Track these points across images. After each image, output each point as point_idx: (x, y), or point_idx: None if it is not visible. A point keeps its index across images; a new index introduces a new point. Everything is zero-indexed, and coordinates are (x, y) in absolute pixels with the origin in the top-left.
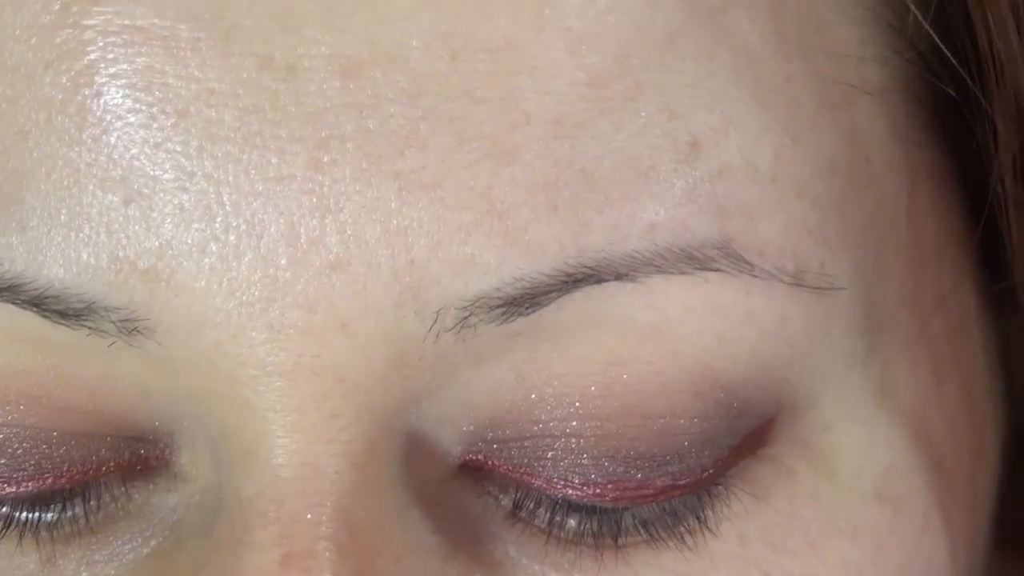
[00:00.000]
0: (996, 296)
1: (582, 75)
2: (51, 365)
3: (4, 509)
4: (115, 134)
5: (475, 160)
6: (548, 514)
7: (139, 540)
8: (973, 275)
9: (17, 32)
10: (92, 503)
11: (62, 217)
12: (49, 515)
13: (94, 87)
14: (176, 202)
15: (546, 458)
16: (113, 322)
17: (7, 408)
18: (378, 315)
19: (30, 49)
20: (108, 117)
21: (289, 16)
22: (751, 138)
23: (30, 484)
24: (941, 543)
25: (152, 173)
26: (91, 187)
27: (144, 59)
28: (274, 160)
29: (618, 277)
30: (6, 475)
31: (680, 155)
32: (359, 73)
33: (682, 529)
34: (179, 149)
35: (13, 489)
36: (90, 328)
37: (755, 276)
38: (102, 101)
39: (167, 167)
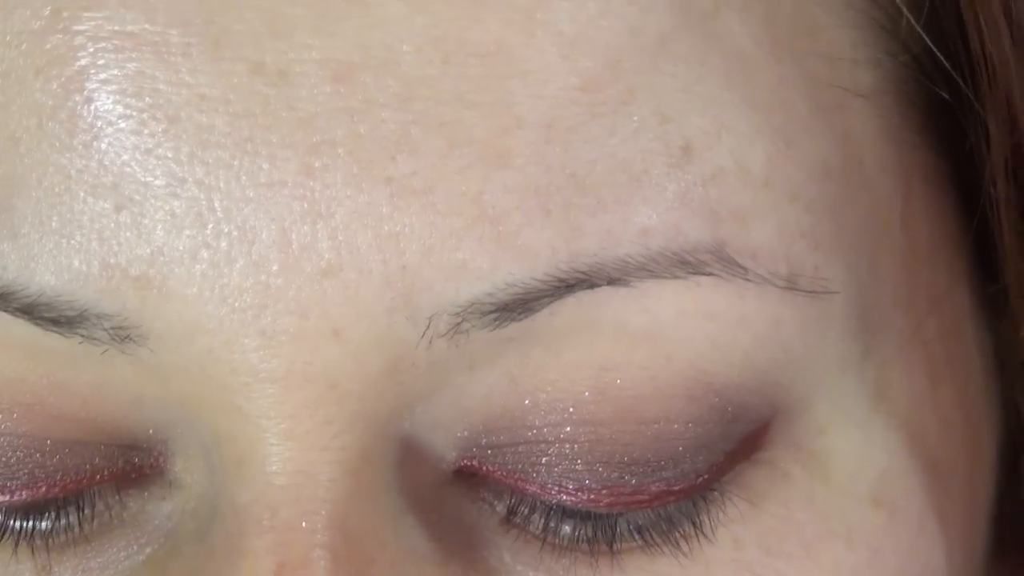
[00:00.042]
0: (991, 298)
1: (574, 79)
2: (44, 373)
3: None
4: (106, 140)
5: (467, 165)
6: (543, 520)
7: (134, 548)
8: (967, 277)
9: (7, 38)
10: (86, 511)
11: (53, 224)
12: (43, 524)
13: (85, 93)
14: (167, 208)
15: (540, 464)
16: (105, 329)
17: (0, 417)
18: (370, 321)
19: (20, 55)
20: (99, 123)
21: (280, 21)
22: (744, 142)
23: (24, 493)
24: (937, 546)
25: (143, 179)
26: (82, 194)
27: (135, 65)
28: (265, 166)
29: (611, 282)
30: (0, 484)
31: (672, 159)
32: (350, 78)
33: (677, 535)
34: (170, 155)
35: (7, 498)
36: (82, 336)
37: (748, 280)
38: (93, 107)
39: (158, 173)
